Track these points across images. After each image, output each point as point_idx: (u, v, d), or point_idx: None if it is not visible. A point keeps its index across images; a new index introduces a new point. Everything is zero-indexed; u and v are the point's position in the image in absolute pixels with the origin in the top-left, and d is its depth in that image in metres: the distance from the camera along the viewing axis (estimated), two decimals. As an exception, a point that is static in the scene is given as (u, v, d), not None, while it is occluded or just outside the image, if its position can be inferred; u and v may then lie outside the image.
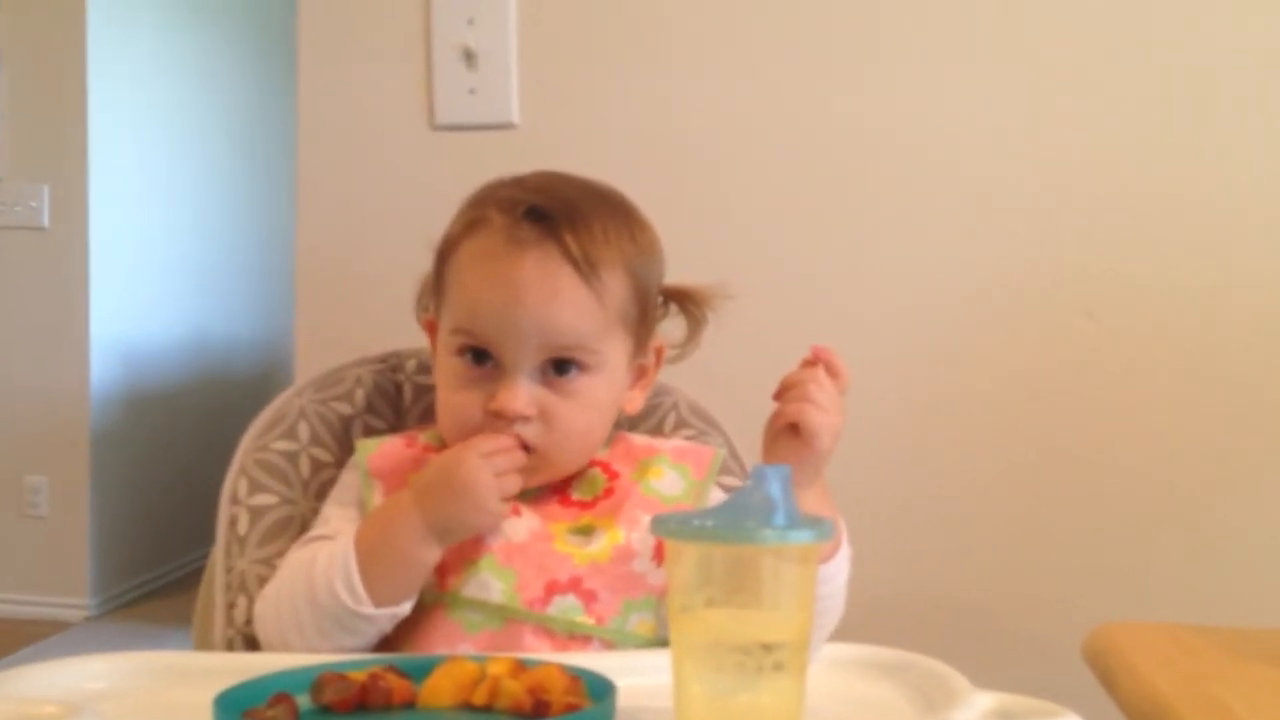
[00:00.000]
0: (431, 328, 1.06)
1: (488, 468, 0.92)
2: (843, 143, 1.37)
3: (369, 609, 0.89)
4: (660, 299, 1.07)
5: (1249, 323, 1.32)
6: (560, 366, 0.96)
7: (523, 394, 0.94)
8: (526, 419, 0.95)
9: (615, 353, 0.99)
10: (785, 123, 1.38)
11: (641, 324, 1.02)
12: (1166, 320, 1.34)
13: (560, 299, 0.94)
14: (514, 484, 0.94)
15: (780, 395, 0.92)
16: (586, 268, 0.95)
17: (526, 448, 0.95)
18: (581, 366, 0.96)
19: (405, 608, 0.91)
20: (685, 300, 1.08)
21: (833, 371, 0.92)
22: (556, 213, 0.96)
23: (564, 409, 0.96)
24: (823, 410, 0.90)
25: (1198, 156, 1.32)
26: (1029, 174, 1.35)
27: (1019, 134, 1.35)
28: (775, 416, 0.92)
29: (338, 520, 0.99)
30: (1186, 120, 1.32)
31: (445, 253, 1.02)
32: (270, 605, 0.94)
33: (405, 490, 0.94)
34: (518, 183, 1.01)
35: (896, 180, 1.37)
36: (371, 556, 0.90)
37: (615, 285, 0.97)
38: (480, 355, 0.96)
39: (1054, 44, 1.34)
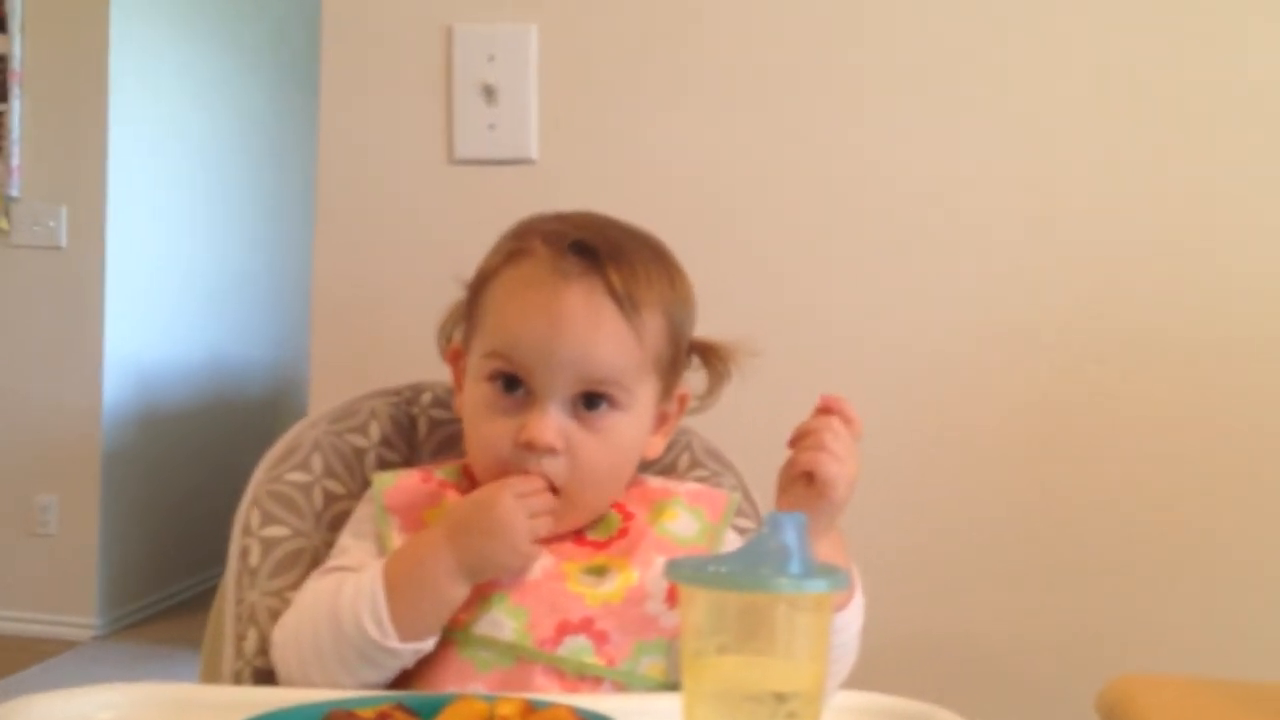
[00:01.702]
0: (456, 357, 1.06)
1: (522, 509, 0.92)
2: (858, 186, 1.37)
3: (395, 643, 0.89)
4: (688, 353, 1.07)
5: (1263, 371, 1.32)
6: (591, 401, 0.96)
7: (553, 425, 0.94)
8: (555, 452, 0.94)
9: (645, 394, 0.99)
10: (802, 164, 1.38)
11: (672, 369, 1.02)
12: (1178, 368, 1.33)
13: (602, 332, 0.95)
14: (545, 526, 0.94)
15: (795, 443, 0.91)
16: (629, 305, 0.95)
17: (553, 489, 0.95)
18: (613, 403, 0.96)
19: (429, 644, 0.91)
20: (709, 354, 1.08)
21: (846, 419, 0.91)
22: (601, 249, 0.96)
23: (590, 445, 0.95)
24: (838, 460, 0.89)
25: (1209, 204, 1.32)
26: (1043, 221, 1.35)
27: (1034, 181, 1.35)
28: (790, 464, 0.91)
29: (357, 552, 0.99)
30: (1199, 167, 1.32)
31: (483, 281, 1.02)
32: (290, 634, 0.94)
33: (436, 526, 0.94)
34: (561, 218, 1.02)
35: (911, 225, 1.37)
36: (400, 591, 0.90)
37: (654, 327, 0.98)
38: (511, 383, 0.96)
39: (1065, 92, 1.34)
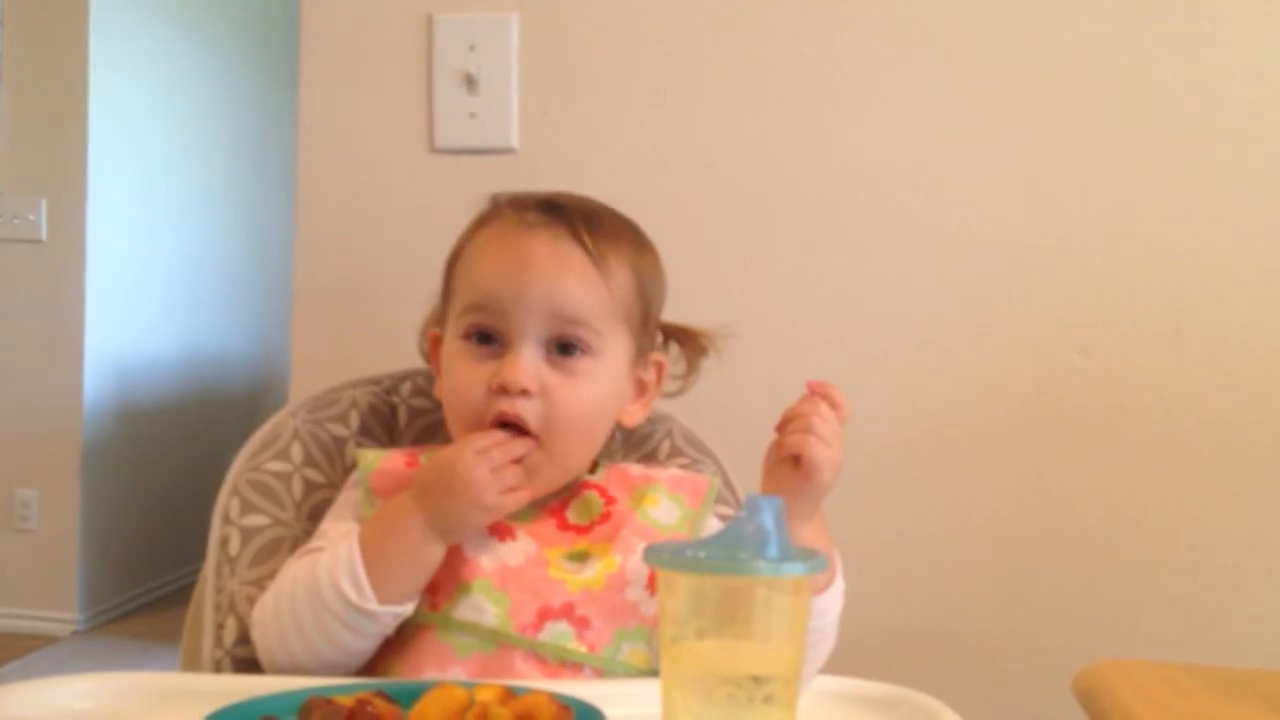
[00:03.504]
0: (436, 343, 1.07)
1: (484, 463, 0.92)
2: (844, 177, 1.38)
3: (373, 605, 0.89)
4: (660, 336, 1.09)
5: (1244, 361, 1.33)
6: (564, 348, 0.97)
7: (527, 367, 0.96)
8: (529, 394, 0.95)
9: (617, 345, 1.01)
10: (783, 154, 1.38)
11: (643, 329, 1.04)
12: (1161, 358, 1.34)
13: (569, 274, 0.97)
14: (513, 475, 0.94)
15: (782, 427, 0.93)
16: (595, 253, 0.98)
17: (527, 432, 0.96)
18: (585, 348, 0.98)
19: (408, 607, 0.92)
20: (685, 338, 1.11)
21: (833, 404, 0.92)
22: (567, 206, 1.01)
23: (566, 388, 0.97)
24: (825, 443, 0.90)
25: (1194, 196, 1.33)
26: (1025, 212, 1.35)
27: (1015, 172, 1.35)
28: (775, 447, 0.92)
29: (335, 535, 0.99)
30: (1183, 160, 1.33)
31: (455, 255, 1.05)
32: (270, 610, 0.94)
33: (406, 491, 0.95)
34: (528, 193, 1.05)
35: (892, 215, 1.37)
36: (376, 554, 0.91)
37: (621, 277, 1.00)
38: (485, 338, 0.98)
39: (1052, 85, 1.35)
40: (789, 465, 0.91)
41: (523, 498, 0.95)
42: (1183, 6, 1.33)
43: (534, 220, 1.00)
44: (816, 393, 0.93)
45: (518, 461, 0.95)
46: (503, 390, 0.95)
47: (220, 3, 4.58)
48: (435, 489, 0.93)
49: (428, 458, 1.02)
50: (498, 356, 0.97)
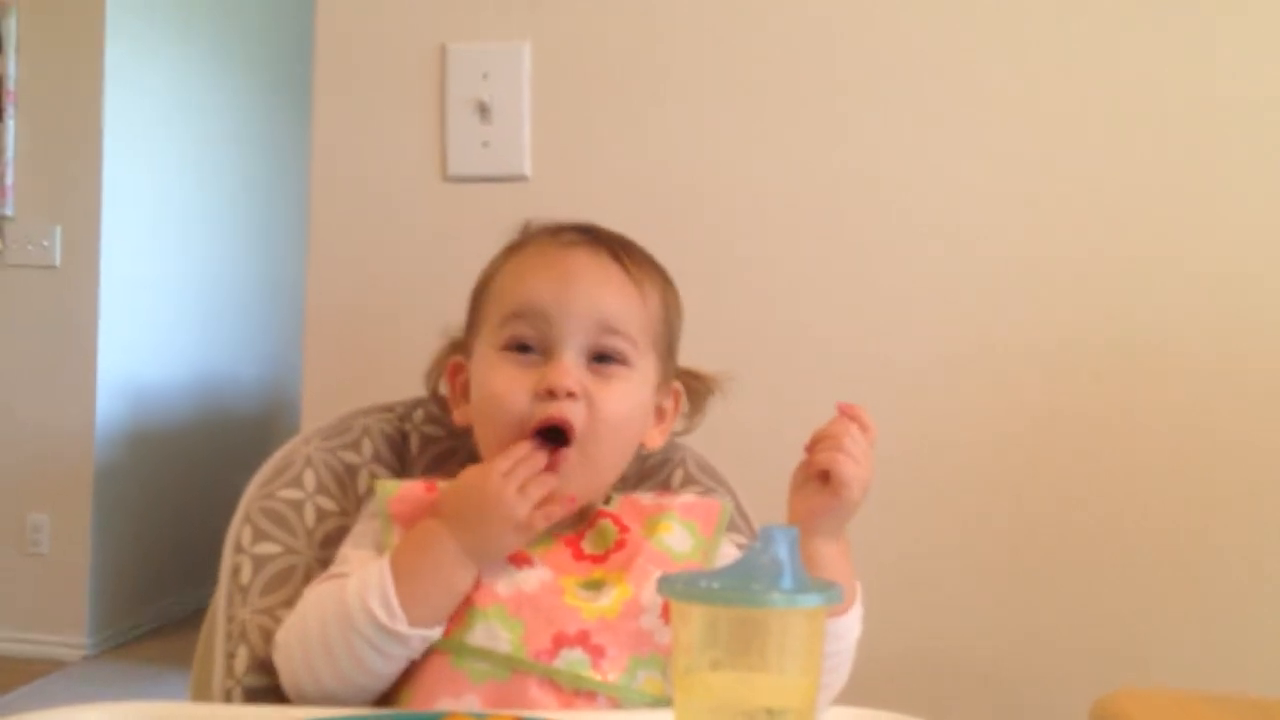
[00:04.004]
0: (456, 371, 1.08)
1: (510, 483, 0.93)
2: (854, 202, 1.38)
3: (404, 628, 0.89)
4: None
5: (1260, 385, 1.32)
6: (601, 359, 1.00)
7: (572, 371, 0.98)
8: (574, 396, 0.97)
9: (648, 364, 1.03)
10: (796, 181, 1.38)
11: (668, 357, 1.07)
12: (1175, 382, 1.33)
13: (610, 286, 1.01)
14: (538, 488, 0.95)
15: (812, 447, 0.94)
16: (634, 268, 1.03)
17: (570, 436, 0.97)
18: (622, 359, 1.00)
19: (436, 631, 0.91)
20: (692, 380, 1.12)
21: (863, 426, 0.94)
22: (602, 231, 1.06)
23: (605, 394, 0.99)
24: (855, 461, 0.92)
25: (1211, 220, 1.33)
26: (1037, 233, 1.35)
27: (1028, 192, 1.35)
28: (806, 464, 0.94)
29: (356, 561, 0.99)
30: (1200, 183, 1.33)
31: (485, 281, 1.08)
32: (295, 634, 0.93)
33: (434, 518, 0.95)
34: (561, 221, 1.09)
35: (904, 240, 1.37)
36: (408, 576, 0.91)
37: (654, 302, 1.05)
38: (525, 348, 1.00)
39: (1068, 104, 1.34)
40: (817, 483, 0.93)
41: (555, 513, 0.95)
42: (1202, 30, 1.32)
43: (572, 240, 1.04)
44: (846, 414, 0.94)
45: (551, 468, 0.96)
46: (550, 394, 0.97)
47: (235, 31, 4.61)
48: (466, 513, 0.94)
49: (445, 485, 1.02)
50: (539, 365, 0.99)
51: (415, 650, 0.92)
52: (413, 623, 0.90)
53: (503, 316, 1.01)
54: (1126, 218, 1.34)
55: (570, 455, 0.97)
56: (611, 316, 1.00)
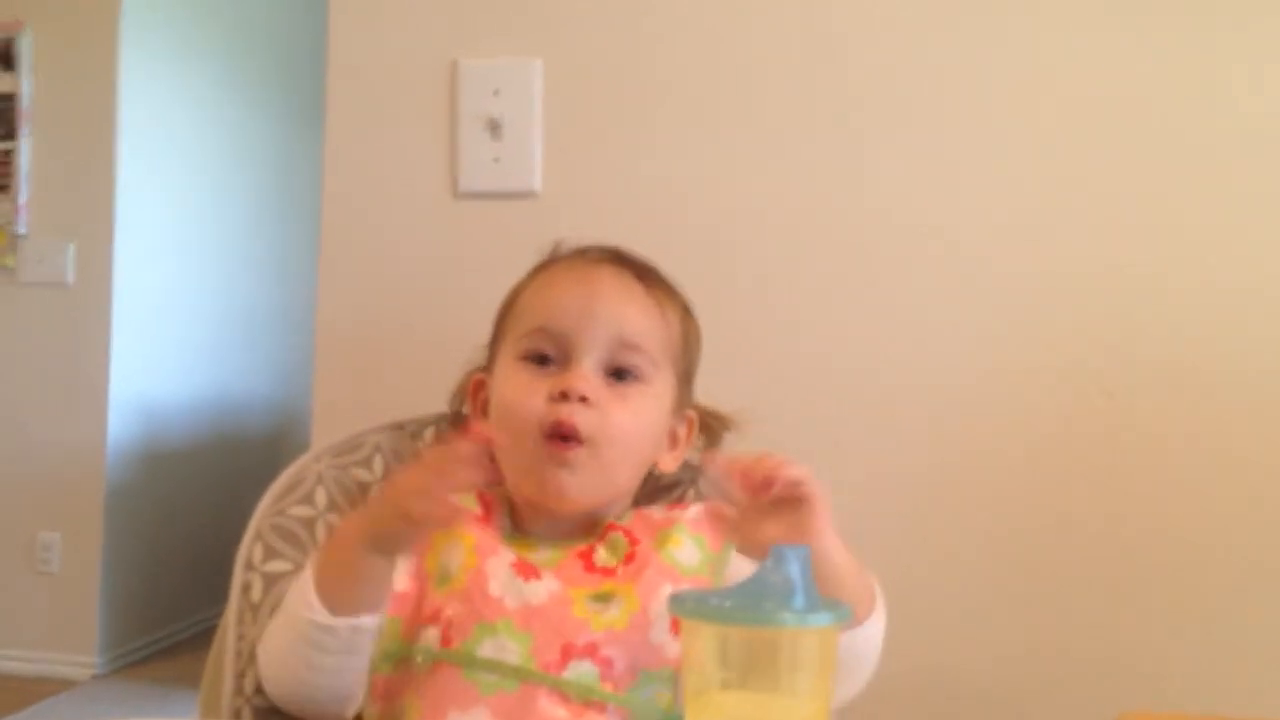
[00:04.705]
0: (479, 387, 1.09)
1: (418, 476, 0.90)
2: (866, 221, 1.37)
3: (324, 618, 0.90)
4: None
5: (1274, 404, 1.31)
6: (619, 374, 1.01)
7: (589, 378, 0.99)
8: (586, 401, 0.98)
9: (665, 384, 1.05)
10: (806, 198, 1.38)
11: (685, 381, 1.08)
12: (1187, 400, 1.32)
13: (633, 303, 1.04)
14: (444, 484, 0.90)
15: (748, 474, 0.89)
16: (657, 290, 1.06)
17: (578, 440, 0.98)
18: (639, 375, 1.02)
19: (365, 621, 0.92)
20: (709, 417, 1.13)
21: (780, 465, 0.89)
22: (627, 255, 1.09)
23: (618, 408, 1.00)
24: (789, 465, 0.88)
25: (1221, 238, 1.32)
26: (1047, 252, 1.34)
27: (1038, 212, 1.35)
28: (756, 490, 0.89)
29: None
30: (1206, 199, 1.32)
31: (511, 298, 1.10)
32: (264, 645, 0.98)
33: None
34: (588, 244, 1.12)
35: (912, 258, 1.36)
36: (323, 568, 0.93)
37: (674, 322, 1.07)
38: (543, 359, 1.02)
39: (1071, 125, 1.34)
40: (774, 517, 0.88)
41: (461, 514, 0.94)
42: (1216, 42, 1.32)
43: (598, 258, 1.07)
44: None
45: (561, 461, 0.97)
46: (563, 397, 0.98)
47: (249, 49, 4.63)
48: (373, 502, 0.97)
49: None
50: (555, 374, 1.01)
51: (351, 643, 0.92)
52: (335, 613, 0.91)
53: (525, 329, 1.03)
54: (1138, 231, 1.33)
55: (580, 452, 0.98)
56: (632, 332, 1.02)
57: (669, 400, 1.05)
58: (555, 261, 1.10)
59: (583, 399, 0.98)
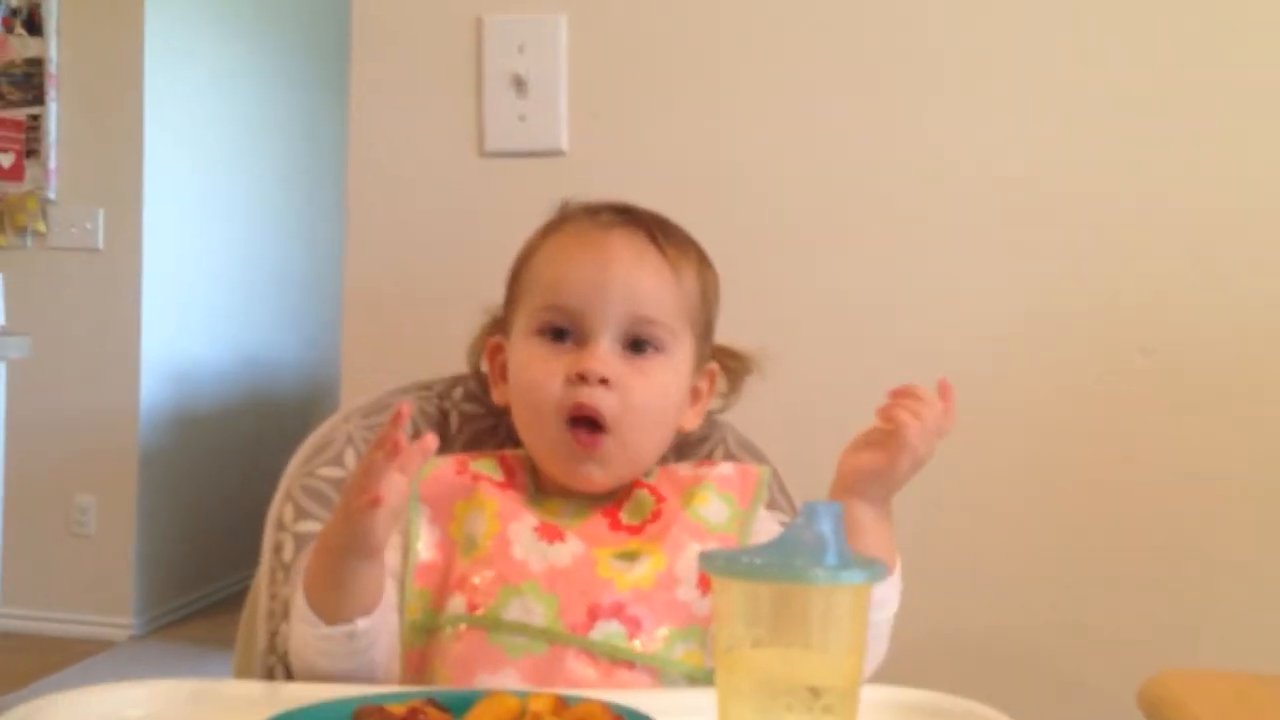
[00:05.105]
0: (495, 351, 1.08)
1: (356, 475, 0.85)
2: (894, 176, 1.36)
3: (321, 628, 0.88)
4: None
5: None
6: (637, 345, 1.00)
7: (606, 357, 0.98)
8: (607, 383, 0.97)
9: (684, 347, 1.03)
10: (835, 155, 1.37)
11: (704, 339, 1.06)
12: (1225, 357, 1.31)
13: (647, 270, 1.01)
14: (373, 479, 0.83)
15: (895, 395, 0.92)
16: (670, 250, 1.02)
17: (602, 425, 0.97)
18: (658, 346, 1.00)
19: (360, 624, 0.88)
20: (729, 359, 1.11)
21: (947, 411, 0.93)
22: (640, 211, 1.05)
23: (638, 384, 0.99)
24: (922, 432, 0.90)
25: (1259, 195, 1.30)
26: (1084, 209, 1.33)
27: (1074, 168, 1.33)
28: (881, 414, 0.92)
29: None
30: (1246, 159, 1.30)
31: (523, 260, 1.07)
32: (289, 643, 0.95)
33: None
34: (597, 201, 1.08)
35: (949, 216, 1.35)
36: (310, 578, 0.89)
37: (690, 283, 1.03)
38: (559, 334, 1.00)
39: (1111, 78, 1.32)
40: (876, 442, 0.92)
41: (403, 498, 0.86)
42: (1241, 4, 1.30)
43: (609, 220, 1.04)
44: (941, 393, 0.93)
45: (589, 452, 0.97)
46: (581, 379, 0.97)
47: (275, 11, 4.62)
48: (335, 507, 0.90)
49: (477, 465, 1.02)
50: (572, 351, 0.99)
51: (352, 647, 0.89)
52: (328, 622, 0.87)
53: (540, 302, 1.01)
54: (1181, 203, 1.31)
55: (607, 442, 0.98)
56: (647, 304, 0.99)
57: (689, 364, 1.04)
58: (565, 223, 1.07)
59: (603, 381, 0.97)
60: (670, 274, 1.01)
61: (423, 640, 0.95)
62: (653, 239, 1.02)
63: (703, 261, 1.07)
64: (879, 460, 0.92)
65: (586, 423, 0.98)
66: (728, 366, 1.11)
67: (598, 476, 1.00)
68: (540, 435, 1.01)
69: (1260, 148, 1.30)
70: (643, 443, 1.01)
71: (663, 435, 1.04)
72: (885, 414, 0.92)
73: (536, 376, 1.00)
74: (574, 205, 1.09)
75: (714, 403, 1.11)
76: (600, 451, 0.98)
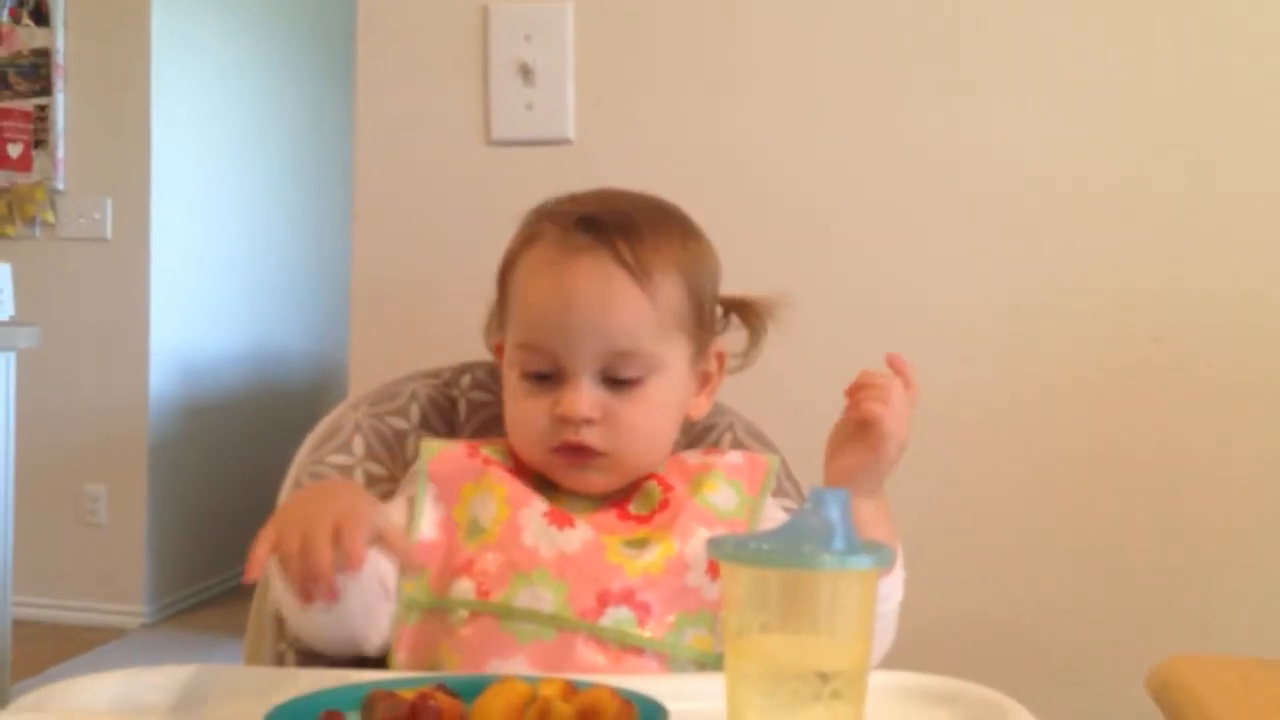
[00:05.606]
0: (500, 350, 1.08)
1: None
2: (901, 163, 1.36)
3: (295, 604, 0.86)
4: (719, 309, 1.08)
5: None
6: (619, 379, 0.98)
7: (585, 397, 0.97)
8: (590, 422, 0.97)
9: (674, 355, 1.01)
10: (842, 144, 1.36)
11: (699, 327, 1.03)
12: (1234, 345, 1.31)
13: (613, 302, 0.97)
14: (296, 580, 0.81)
15: (855, 392, 0.93)
16: (639, 271, 0.97)
17: (593, 452, 0.97)
18: (639, 376, 0.98)
19: (338, 606, 0.86)
20: (744, 310, 1.10)
21: (906, 383, 0.94)
22: (608, 221, 0.99)
23: (627, 411, 0.98)
24: (897, 417, 0.91)
25: (1267, 182, 1.29)
26: (1094, 196, 1.33)
27: (1086, 154, 1.33)
28: (849, 410, 0.93)
29: (390, 509, 0.99)
30: (1256, 145, 1.30)
31: (505, 270, 1.05)
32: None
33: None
34: (572, 198, 1.05)
35: (957, 205, 1.35)
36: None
37: (668, 288, 0.99)
38: (541, 375, 0.99)
39: (1123, 66, 1.32)
40: (856, 436, 0.93)
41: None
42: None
43: (576, 244, 0.98)
44: (894, 367, 0.94)
45: (583, 466, 0.97)
46: (564, 420, 0.97)
47: (279, 0, 4.62)
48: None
49: (488, 449, 1.02)
50: (556, 388, 0.98)
51: (330, 620, 0.89)
52: (300, 602, 0.84)
53: (517, 337, 1.01)
54: (1191, 189, 1.31)
55: (600, 459, 0.98)
56: (619, 339, 0.97)
57: (684, 366, 1.02)
58: (536, 240, 1.02)
59: (586, 419, 0.97)
60: (642, 296, 0.97)
61: (417, 618, 0.95)
62: (619, 257, 0.97)
63: (683, 242, 1.02)
64: (865, 456, 0.93)
65: (578, 449, 0.98)
66: (745, 320, 1.10)
67: (596, 482, 1.00)
68: (534, 460, 1.01)
69: (1271, 135, 1.29)
70: (641, 455, 1.01)
71: (664, 441, 1.03)
72: (857, 413, 0.93)
73: (523, 415, 1.00)
74: (546, 212, 1.04)
75: (733, 361, 1.09)
76: (594, 464, 0.99)
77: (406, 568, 0.88)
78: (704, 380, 1.07)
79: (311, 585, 0.79)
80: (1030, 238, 1.34)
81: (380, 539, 0.82)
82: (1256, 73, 1.30)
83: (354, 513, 0.80)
